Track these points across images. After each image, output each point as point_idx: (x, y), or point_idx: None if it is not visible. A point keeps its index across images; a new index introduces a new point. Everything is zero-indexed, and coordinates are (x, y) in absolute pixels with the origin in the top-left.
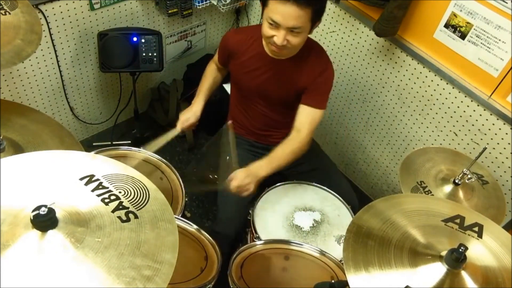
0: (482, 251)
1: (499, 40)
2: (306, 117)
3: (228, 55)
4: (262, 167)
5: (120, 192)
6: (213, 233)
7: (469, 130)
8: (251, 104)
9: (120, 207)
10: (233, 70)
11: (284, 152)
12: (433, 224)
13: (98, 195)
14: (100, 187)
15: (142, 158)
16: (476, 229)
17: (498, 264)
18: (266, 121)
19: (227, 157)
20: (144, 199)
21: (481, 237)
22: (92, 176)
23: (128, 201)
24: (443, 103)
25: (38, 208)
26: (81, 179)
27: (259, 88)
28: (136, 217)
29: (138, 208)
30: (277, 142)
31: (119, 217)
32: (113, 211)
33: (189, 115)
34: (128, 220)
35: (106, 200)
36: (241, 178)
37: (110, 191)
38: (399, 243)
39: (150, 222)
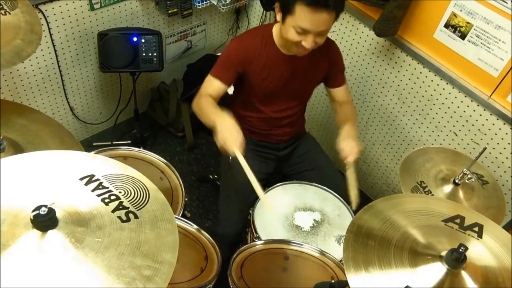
0: (482, 251)
1: (499, 40)
2: (344, 92)
3: (243, 67)
4: (355, 134)
5: (120, 192)
6: (213, 233)
7: (469, 130)
8: (260, 106)
9: (120, 207)
10: (249, 80)
11: (354, 119)
12: (433, 224)
13: (98, 195)
14: (100, 187)
15: (142, 158)
16: (476, 229)
17: (498, 264)
18: (273, 121)
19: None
20: (144, 199)
21: (481, 237)
22: (92, 176)
23: (128, 201)
24: (443, 103)
25: (38, 208)
26: (81, 179)
27: (276, 88)
28: (136, 217)
29: (138, 208)
30: (279, 140)
31: (119, 217)
32: (113, 211)
33: (235, 132)
34: (128, 220)
35: (106, 200)
36: (353, 149)
37: (110, 191)
38: (399, 243)
39: (150, 222)
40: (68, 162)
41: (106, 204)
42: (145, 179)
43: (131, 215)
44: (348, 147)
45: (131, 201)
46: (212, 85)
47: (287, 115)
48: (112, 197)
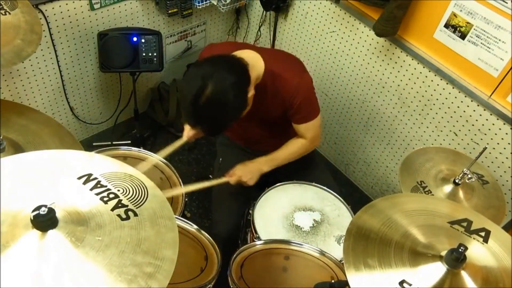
0: (485, 254)
1: (499, 40)
2: (305, 130)
3: None
4: (264, 162)
5: (118, 190)
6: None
7: (469, 130)
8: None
9: (119, 205)
10: None
11: (287, 151)
12: (438, 225)
13: (97, 194)
14: (99, 185)
15: (142, 158)
16: (482, 234)
17: (500, 267)
18: (257, 136)
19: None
20: (142, 196)
21: (486, 242)
22: (90, 175)
23: (127, 199)
24: (443, 103)
25: (38, 208)
26: (79, 178)
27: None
28: (135, 214)
29: (137, 206)
30: (266, 150)
31: (119, 215)
32: (112, 210)
33: None
34: (127, 218)
35: (105, 199)
36: (240, 173)
37: (108, 189)
38: (399, 242)
39: (149, 219)
40: (65, 161)
41: (105, 202)
42: (143, 176)
43: (130, 213)
44: (243, 171)
45: (130, 199)
46: None
47: (271, 133)
48: (111, 196)
